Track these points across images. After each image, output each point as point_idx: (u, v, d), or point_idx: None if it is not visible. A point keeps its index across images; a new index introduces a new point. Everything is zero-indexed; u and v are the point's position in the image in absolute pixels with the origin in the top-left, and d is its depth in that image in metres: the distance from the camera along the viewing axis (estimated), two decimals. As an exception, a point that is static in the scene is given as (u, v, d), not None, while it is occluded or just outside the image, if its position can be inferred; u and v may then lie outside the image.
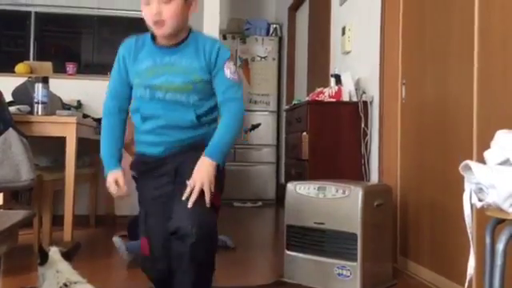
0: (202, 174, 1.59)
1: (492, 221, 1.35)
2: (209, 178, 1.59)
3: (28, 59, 5.56)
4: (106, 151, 1.74)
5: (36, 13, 5.86)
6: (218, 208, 1.73)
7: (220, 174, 1.67)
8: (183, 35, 1.71)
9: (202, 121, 1.71)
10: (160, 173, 1.71)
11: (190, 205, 1.55)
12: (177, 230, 1.55)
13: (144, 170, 1.75)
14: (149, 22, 1.67)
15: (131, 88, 1.74)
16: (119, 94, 1.76)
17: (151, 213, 1.73)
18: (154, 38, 1.73)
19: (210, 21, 4.11)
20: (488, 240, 1.36)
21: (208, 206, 1.60)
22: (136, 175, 1.78)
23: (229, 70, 1.70)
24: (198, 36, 1.74)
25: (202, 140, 1.69)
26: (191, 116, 1.67)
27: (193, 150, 1.68)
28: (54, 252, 1.60)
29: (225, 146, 1.67)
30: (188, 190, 1.57)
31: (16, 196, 3.47)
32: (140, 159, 1.77)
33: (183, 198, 1.56)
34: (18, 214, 1.61)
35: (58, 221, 3.01)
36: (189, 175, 1.60)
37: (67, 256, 1.62)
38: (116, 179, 1.69)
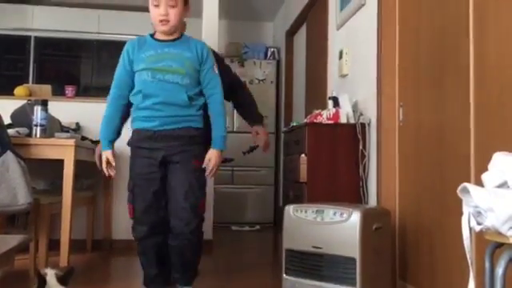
0: (216, 159, 2.18)
1: (491, 245, 1.34)
2: (219, 163, 2.20)
3: (27, 82, 5.59)
4: (103, 132, 2.16)
5: (35, 37, 5.93)
6: (203, 209, 2.22)
7: (202, 177, 2.20)
8: (177, 34, 2.19)
9: (193, 103, 2.16)
10: (150, 155, 2.13)
11: (209, 177, 2.21)
12: (178, 231, 2.12)
13: (138, 145, 2.16)
14: (156, 19, 2.12)
15: (132, 79, 2.14)
16: (122, 83, 2.15)
17: (138, 185, 2.15)
18: (152, 36, 2.19)
19: (209, 45, 4.13)
20: (487, 264, 1.34)
21: (190, 210, 2.12)
22: (131, 151, 2.20)
23: (216, 69, 2.24)
24: (189, 37, 2.25)
25: (190, 129, 2.15)
26: (184, 95, 2.11)
27: (181, 147, 2.13)
28: (51, 276, 1.59)
29: (223, 136, 2.20)
30: (209, 168, 2.17)
31: (12, 220, 3.45)
32: (136, 136, 2.18)
33: (209, 177, 2.20)
34: (14, 239, 1.60)
35: (54, 245, 2.98)
36: (179, 181, 2.13)
37: (63, 281, 1.61)
38: (107, 157, 2.14)
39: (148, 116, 2.12)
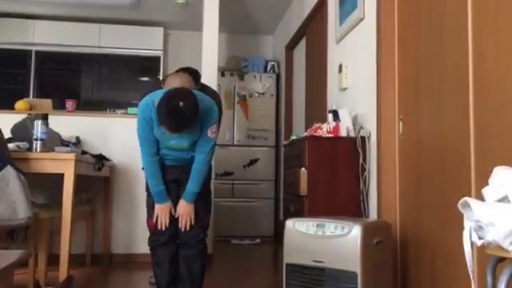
0: (186, 210, 2.46)
1: (493, 259, 1.34)
2: (189, 213, 2.46)
3: (28, 96, 5.61)
4: (156, 189, 2.44)
5: (37, 51, 5.96)
6: (208, 224, 2.59)
7: (208, 199, 2.60)
8: None
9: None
10: (167, 175, 2.47)
11: (183, 229, 2.45)
12: (188, 241, 2.47)
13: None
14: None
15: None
16: (149, 137, 2.40)
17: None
18: None
19: (209, 58, 4.18)
20: (489, 279, 1.34)
21: (197, 225, 2.47)
22: None
23: (210, 131, 2.43)
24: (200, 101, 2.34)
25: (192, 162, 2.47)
26: (191, 155, 2.48)
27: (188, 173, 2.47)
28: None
29: (195, 192, 2.45)
30: (181, 219, 2.45)
31: (12, 234, 3.43)
32: None
33: (182, 229, 2.45)
34: (14, 255, 1.59)
35: (53, 259, 2.96)
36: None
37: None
38: (170, 208, 2.45)
39: (167, 159, 2.49)
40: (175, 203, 2.48)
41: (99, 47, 6.01)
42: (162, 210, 2.44)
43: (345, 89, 3.51)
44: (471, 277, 1.33)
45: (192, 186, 2.45)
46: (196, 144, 2.44)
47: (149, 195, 2.53)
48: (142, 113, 2.38)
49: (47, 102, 4.21)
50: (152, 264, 2.49)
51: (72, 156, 2.94)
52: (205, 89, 2.90)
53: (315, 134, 3.08)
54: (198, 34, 4.33)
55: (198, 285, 2.48)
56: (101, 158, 3.62)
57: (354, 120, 3.13)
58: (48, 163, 2.90)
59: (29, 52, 5.93)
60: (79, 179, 3.07)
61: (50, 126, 3.08)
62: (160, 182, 2.44)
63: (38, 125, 2.94)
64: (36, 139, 2.93)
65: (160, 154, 2.47)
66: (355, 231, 2.15)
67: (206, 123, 2.41)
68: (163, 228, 2.44)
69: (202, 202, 2.49)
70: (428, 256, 2.41)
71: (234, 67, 6.10)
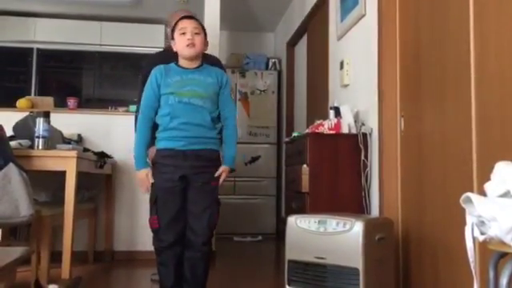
0: (226, 175, 2.39)
1: (495, 254, 1.34)
2: (226, 176, 2.40)
3: (30, 94, 5.62)
4: (138, 151, 2.32)
5: (38, 49, 5.96)
6: (216, 223, 2.46)
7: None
8: (199, 62, 2.40)
9: (215, 125, 2.37)
10: (173, 171, 2.28)
11: (221, 181, 2.39)
12: (194, 243, 2.33)
13: (162, 162, 2.31)
14: (183, 45, 2.33)
15: (159, 102, 2.33)
16: (152, 104, 2.34)
17: (161, 198, 2.31)
18: (176, 64, 2.39)
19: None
20: (491, 274, 1.33)
21: (208, 222, 2.36)
22: (155, 167, 2.34)
23: (232, 94, 2.47)
24: (208, 65, 2.45)
25: (212, 152, 2.36)
26: (207, 116, 2.32)
27: (203, 168, 2.32)
28: (55, 291, 1.58)
29: (234, 156, 2.42)
30: (222, 178, 2.38)
31: (14, 232, 3.44)
32: (161, 154, 2.32)
33: (220, 183, 2.38)
34: (16, 252, 1.59)
35: (55, 257, 2.97)
36: (199, 199, 2.33)
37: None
38: (147, 174, 2.32)
39: (175, 136, 2.30)
40: (179, 209, 2.32)
41: (100, 45, 6.01)
42: (141, 176, 2.33)
43: (346, 85, 3.51)
44: (473, 272, 1.33)
45: (231, 150, 2.43)
46: (211, 104, 2.34)
47: (154, 191, 2.37)
48: (151, 75, 2.36)
49: (49, 100, 4.21)
50: (157, 263, 2.44)
51: (74, 153, 2.95)
52: (205, 55, 2.85)
53: (317, 130, 3.08)
54: (199, 32, 4.32)
55: (201, 283, 2.48)
56: (102, 156, 3.62)
57: (356, 117, 3.13)
58: (50, 161, 2.91)
59: (30, 50, 5.94)
60: (81, 177, 3.07)
61: (52, 123, 3.09)
62: (145, 148, 2.35)
63: (40, 122, 2.95)
64: (38, 137, 2.94)
65: (171, 129, 2.30)
66: (357, 228, 2.15)
67: (221, 83, 2.39)
68: (147, 189, 2.33)
69: (213, 200, 2.40)
70: (430, 252, 2.41)
71: (235, 64, 6.10)
